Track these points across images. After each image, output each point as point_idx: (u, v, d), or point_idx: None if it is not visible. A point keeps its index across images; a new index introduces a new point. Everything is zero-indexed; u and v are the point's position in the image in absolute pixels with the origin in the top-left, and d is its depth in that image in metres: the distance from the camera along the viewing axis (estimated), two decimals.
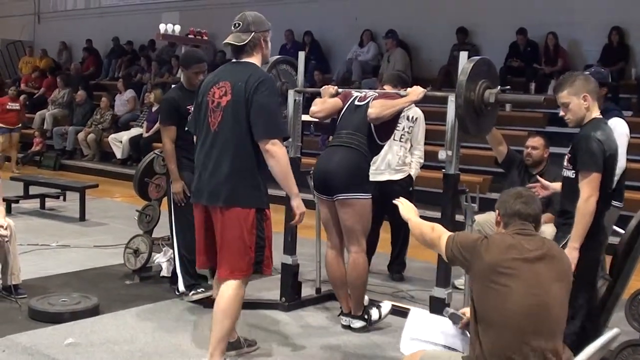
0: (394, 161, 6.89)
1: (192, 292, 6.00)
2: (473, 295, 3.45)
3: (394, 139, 6.86)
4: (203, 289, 5.96)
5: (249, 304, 5.80)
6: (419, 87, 5.32)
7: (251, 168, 4.37)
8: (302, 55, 6.13)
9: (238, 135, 4.34)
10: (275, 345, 5.16)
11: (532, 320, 3.27)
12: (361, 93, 5.53)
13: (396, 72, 6.04)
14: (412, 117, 6.94)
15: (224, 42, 4.54)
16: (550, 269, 3.37)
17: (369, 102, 5.32)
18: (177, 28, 7.91)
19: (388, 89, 5.60)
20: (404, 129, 6.90)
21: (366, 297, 5.59)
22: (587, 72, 5.90)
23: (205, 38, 7.96)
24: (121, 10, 19.81)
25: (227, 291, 4.41)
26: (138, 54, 18.97)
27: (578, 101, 4.24)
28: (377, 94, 5.40)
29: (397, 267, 7.20)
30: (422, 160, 7.13)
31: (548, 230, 5.47)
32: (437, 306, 4.98)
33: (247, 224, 4.35)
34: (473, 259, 3.41)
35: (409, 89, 5.34)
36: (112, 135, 15.46)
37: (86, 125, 16.16)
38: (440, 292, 5.07)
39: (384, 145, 5.60)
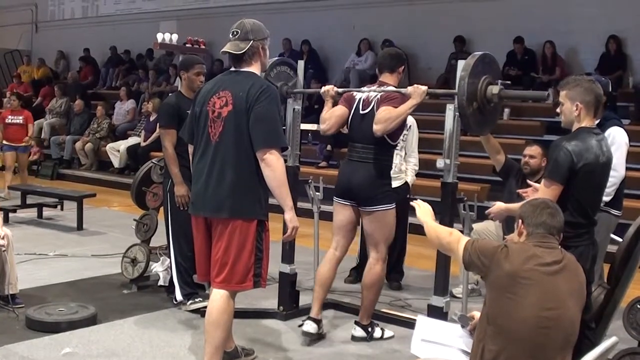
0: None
1: (190, 301, 5.99)
2: (487, 300, 3.44)
3: None
4: (201, 299, 5.95)
5: (247, 313, 5.81)
6: (419, 86, 5.18)
7: (254, 179, 4.30)
8: (301, 64, 6.13)
9: (240, 146, 4.27)
10: (273, 355, 5.15)
11: (543, 333, 3.26)
12: (362, 94, 5.42)
13: (387, 54, 5.62)
14: (407, 125, 6.96)
15: (222, 50, 4.48)
16: (567, 283, 3.37)
17: (373, 107, 5.24)
18: (175, 37, 7.91)
19: (387, 77, 5.42)
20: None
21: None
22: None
23: (203, 47, 7.97)
24: (118, 19, 19.83)
25: (217, 303, 4.36)
26: (135, 63, 19.01)
27: (570, 107, 4.19)
28: (379, 96, 5.27)
29: (395, 276, 7.18)
30: (417, 167, 7.15)
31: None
32: (435, 315, 4.97)
33: (249, 236, 4.30)
34: (492, 266, 3.40)
35: (409, 88, 5.18)
36: (110, 145, 15.47)
37: (84, 135, 16.18)
38: (438, 301, 5.06)
39: (397, 144, 5.60)
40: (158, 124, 6.87)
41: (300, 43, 15.42)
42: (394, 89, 5.33)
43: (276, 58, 6.21)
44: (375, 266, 5.38)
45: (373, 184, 5.26)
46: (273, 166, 4.23)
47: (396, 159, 6.91)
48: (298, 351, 5.25)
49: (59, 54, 21.10)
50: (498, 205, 4.61)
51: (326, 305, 6.20)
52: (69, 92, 17.80)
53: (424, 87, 5.17)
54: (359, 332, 5.47)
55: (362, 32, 14.84)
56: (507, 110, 12.37)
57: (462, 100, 4.76)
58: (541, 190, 4.16)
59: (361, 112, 5.34)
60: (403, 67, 5.50)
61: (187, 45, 7.77)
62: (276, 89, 4.64)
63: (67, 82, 18.78)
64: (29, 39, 22.51)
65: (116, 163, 15.23)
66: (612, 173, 5.30)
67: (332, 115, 5.47)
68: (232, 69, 4.53)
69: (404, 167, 7.01)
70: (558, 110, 4.31)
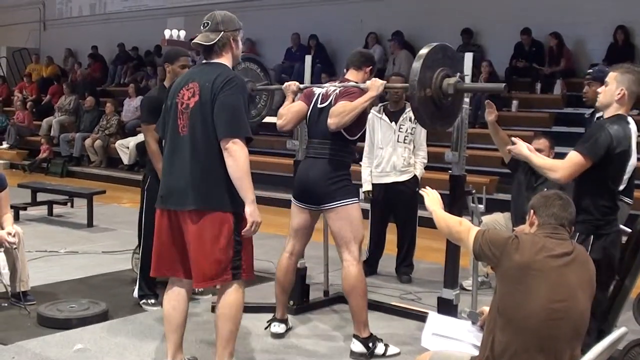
0: (399, 163, 6.93)
1: (143, 301, 6.01)
2: (497, 291, 3.44)
3: (397, 141, 6.92)
4: (154, 301, 5.98)
5: (258, 308, 5.82)
6: (377, 79, 5.07)
7: (223, 171, 4.17)
8: (308, 59, 6.14)
9: (207, 137, 4.18)
10: (283, 349, 5.17)
11: (553, 324, 3.26)
12: (322, 89, 5.24)
13: (357, 51, 5.47)
14: (414, 119, 6.97)
15: (193, 42, 4.42)
16: (578, 275, 3.37)
17: (331, 101, 5.05)
18: (182, 33, 7.96)
19: (353, 73, 5.26)
20: (407, 130, 6.96)
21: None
22: (590, 70, 5.88)
23: None
24: (126, 16, 19.86)
25: (224, 296, 4.29)
26: (144, 60, 19.03)
27: (614, 90, 4.20)
28: (337, 91, 5.10)
29: (405, 269, 7.20)
30: (425, 161, 7.18)
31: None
32: (445, 307, 4.98)
33: (223, 229, 4.19)
34: (502, 257, 3.39)
35: (368, 82, 5.06)
36: (119, 141, 15.52)
37: (93, 132, 16.23)
38: (448, 294, 5.06)
39: (358, 138, 5.16)
40: (140, 120, 6.72)
41: (308, 37, 15.40)
42: (353, 83, 5.15)
43: (243, 53, 6.17)
44: (349, 268, 5.00)
45: (329, 179, 4.99)
46: (235, 156, 4.10)
47: (405, 153, 6.95)
48: (309, 345, 5.26)
49: (67, 52, 21.15)
50: (521, 147, 4.44)
51: (336, 299, 6.22)
52: (77, 90, 17.86)
53: (382, 81, 5.05)
54: (358, 346, 5.05)
55: (369, 26, 14.85)
56: (515, 102, 12.37)
57: (413, 82, 4.54)
58: (570, 158, 4.13)
59: (319, 106, 5.14)
60: (371, 68, 5.30)
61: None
62: (243, 79, 4.49)
63: (77, 79, 18.83)
64: (37, 37, 22.58)
65: (125, 160, 15.28)
66: None
67: (289, 111, 5.28)
68: (204, 60, 4.44)
69: (412, 161, 7.03)
70: (599, 90, 4.32)
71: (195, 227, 4.21)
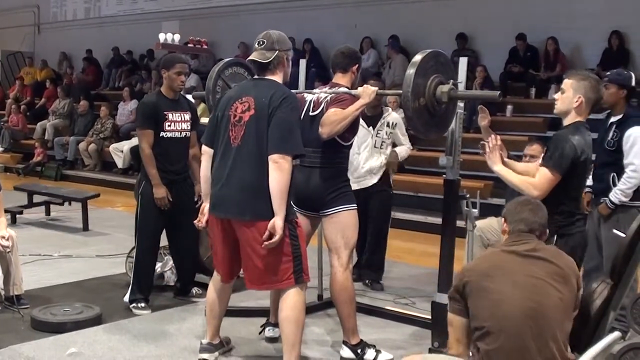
0: (376, 165, 6.91)
1: (133, 305, 5.99)
2: (469, 312, 3.47)
3: (374, 146, 6.87)
4: (144, 305, 5.98)
5: (252, 312, 5.82)
6: (369, 86, 5.03)
7: None
8: (303, 63, 6.12)
9: (261, 149, 4.34)
10: (277, 353, 5.15)
11: (530, 322, 3.29)
12: (313, 95, 5.15)
13: (339, 53, 5.27)
14: (392, 124, 6.97)
15: (248, 58, 4.62)
16: (546, 268, 3.40)
17: (323, 109, 4.99)
18: (177, 37, 7.93)
19: (339, 77, 5.19)
20: (385, 135, 6.95)
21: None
22: (609, 73, 5.92)
23: (205, 47, 7.98)
24: (121, 20, 19.85)
25: (287, 299, 4.46)
26: (138, 64, 19.01)
27: (572, 97, 4.30)
28: (328, 98, 5.04)
29: (371, 274, 7.04)
30: (409, 151, 7.34)
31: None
32: (439, 312, 4.98)
33: (282, 236, 4.33)
34: (465, 289, 3.48)
35: (360, 89, 5.01)
36: (113, 145, 15.50)
37: (87, 135, 16.22)
38: (442, 298, 5.06)
39: (351, 143, 5.18)
40: (135, 125, 6.70)
41: (303, 42, 15.41)
42: (345, 90, 5.08)
43: (231, 58, 6.16)
44: (336, 275, 4.99)
45: (329, 188, 4.99)
46: (283, 170, 4.27)
47: (381, 157, 6.91)
48: (302, 349, 5.24)
49: (62, 56, 21.11)
50: (493, 162, 4.64)
51: (330, 303, 6.18)
52: (72, 93, 17.84)
53: (374, 88, 5.02)
54: (347, 352, 5.04)
55: (364, 30, 14.86)
56: (509, 107, 12.39)
57: (406, 93, 4.60)
58: (542, 175, 4.26)
59: (311, 114, 5.06)
60: (357, 66, 5.22)
61: (189, 45, 7.78)
62: (297, 98, 4.63)
63: (72, 83, 18.81)
64: (32, 41, 22.52)
65: (120, 163, 15.26)
66: (633, 174, 5.38)
67: None
68: (256, 76, 4.66)
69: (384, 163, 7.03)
70: (555, 96, 4.40)
71: (253, 235, 4.39)
